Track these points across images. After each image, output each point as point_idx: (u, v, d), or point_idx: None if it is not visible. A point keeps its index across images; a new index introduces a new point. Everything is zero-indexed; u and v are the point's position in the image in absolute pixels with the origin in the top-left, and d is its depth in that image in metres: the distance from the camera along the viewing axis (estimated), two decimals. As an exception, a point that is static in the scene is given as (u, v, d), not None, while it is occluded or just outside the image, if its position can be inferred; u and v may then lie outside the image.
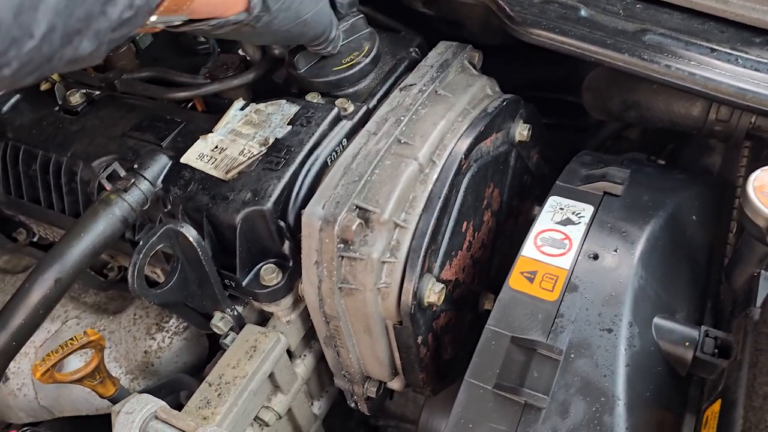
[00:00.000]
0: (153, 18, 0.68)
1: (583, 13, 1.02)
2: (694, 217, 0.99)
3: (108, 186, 0.91)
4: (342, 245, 0.86)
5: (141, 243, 0.86)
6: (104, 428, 0.89)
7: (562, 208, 0.93)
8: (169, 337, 1.12)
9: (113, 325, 1.17)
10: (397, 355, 0.98)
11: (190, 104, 1.16)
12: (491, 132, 1.00)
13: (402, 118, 0.96)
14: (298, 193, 0.94)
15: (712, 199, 1.05)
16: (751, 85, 0.90)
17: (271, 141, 0.97)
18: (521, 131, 1.07)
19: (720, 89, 0.92)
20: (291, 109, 1.01)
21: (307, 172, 0.95)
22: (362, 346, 0.98)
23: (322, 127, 0.98)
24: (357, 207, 0.87)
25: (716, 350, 0.80)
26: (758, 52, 0.94)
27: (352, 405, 1.14)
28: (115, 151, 1.03)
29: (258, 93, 1.11)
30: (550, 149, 1.25)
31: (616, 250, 0.87)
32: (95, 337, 0.87)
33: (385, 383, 1.08)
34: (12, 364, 0.88)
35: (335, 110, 1.00)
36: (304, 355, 1.09)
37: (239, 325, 1.01)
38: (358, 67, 1.06)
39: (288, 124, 0.99)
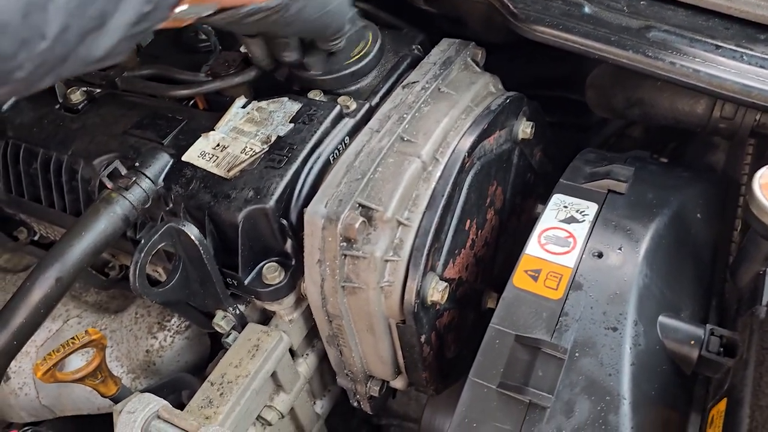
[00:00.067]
0: (181, 8, 0.66)
1: (586, 9, 1.01)
2: (698, 215, 0.98)
3: (109, 184, 0.91)
4: (345, 244, 0.86)
5: (142, 241, 0.86)
6: (106, 428, 0.88)
7: (566, 206, 0.93)
8: (170, 336, 1.12)
9: (115, 324, 1.16)
10: (400, 353, 0.97)
11: (191, 102, 1.15)
12: (494, 130, 0.99)
13: (405, 115, 0.95)
14: (300, 191, 0.93)
15: (716, 197, 1.05)
16: (756, 82, 0.90)
17: (273, 139, 0.96)
18: (524, 129, 1.06)
19: (725, 86, 0.91)
20: (293, 106, 1.00)
21: (310, 170, 0.94)
22: (365, 345, 0.97)
23: (324, 124, 0.97)
24: (360, 205, 0.86)
25: (722, 349, 0.80)
26: (763, 49, 0.93)
27: (355, 404, 1.14)
28: (116, 149, 1.02)
29: (260, 91, 1.10)
30: (553, 147, 1.25)
31: (620, 249, 0.87)
32: (97, 336, 0.86)
33: (388, 382, 1.08)
34: (13, 363, 0.88)
35: (337, 108, 0.99)
36: (307, 354, 1.09)
37: (241, 324, 1.00)
38: (370, 56, 1.05)
39: (290, 121, 0.98)
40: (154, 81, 1.14)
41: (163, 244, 0.88)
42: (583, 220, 0.91)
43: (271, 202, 0.89)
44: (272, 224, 0.91)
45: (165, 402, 0.84)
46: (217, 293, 0.94)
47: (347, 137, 0.99)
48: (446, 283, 0.90)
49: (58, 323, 1.19)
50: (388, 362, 0.99)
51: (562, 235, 0.89)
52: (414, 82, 1.01)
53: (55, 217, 1.09)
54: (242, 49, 1.13)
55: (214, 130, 0.99)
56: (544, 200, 0.96)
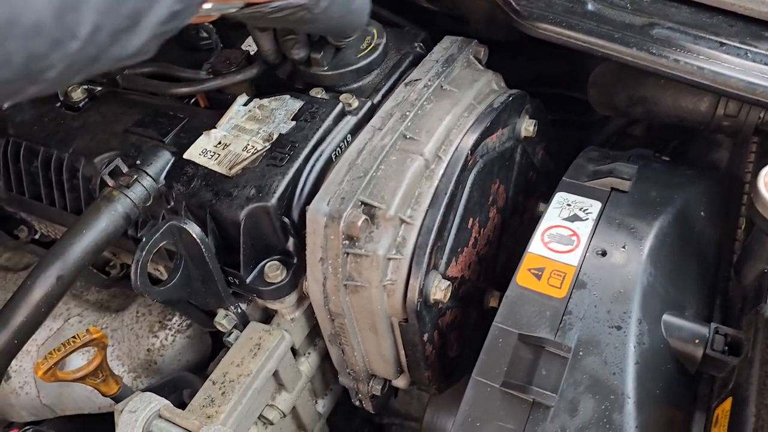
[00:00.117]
0: (208, 5, 0.66)
1: (590, 7, 1.01)
2: (702, 213, 0.98)
3: (110, 182, 0.91)
4: (347, 242, 0.85)
5: (144, 240, 0.86)
6: (107, 427, 0.88)
7: (569, 204, 0.92)
8: (172, 335, 1.11)
9: (116, 323, 1.16)
10: (402, 352, 0.97)
11: (192, 100, 1.15)
12: (497, 127, 0.99)
13: (407, 113, 0.95)
14: (302, 189, 0.93)
15: (720, 195, 1.04)
16: (760, 80, 0.89)
17: (275, 137, 0.96)
18: (527, 127, 1.06)
19: (729, 84, 0.91)
20: (295, 104, 1.00)
21: (312, 167, 0.94)
22: (367, 343, 0.97)
23: (326, 122, 0.97)
24: (362, 203, 0.86)
25: (726, 347, 0.80)
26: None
27: (357, 403, 1.14)
28: (117, 147, 1.02)
29: (261, 88, 1.10)
30: (555, 145, 1.24)
31: (624, 247, 0.86)
32: (98, 335, 0.86)
33: (390, 381, 1.07)
34: (14, 362, 0.87)
35: (340, 105, 0.99)
36: (309, 353, 1.09)
37: (243, 322, 1.00)
38: (376, 53, 1.05)
39: (292, 119, 0.98)
40: (156, 79, 1.14)
41: (164, 242, 0.88)
42: (587, 219, 0.90)
43: (273, 200, 0.89)
44: (274, 222, 0.91)
45: (166, 401, 0.83)
46: (219, 292, 0.94)
47: (349, 135, 0.98)
48: (449, 282, 0.89)
49: (59, 322, 1.19)
50: (391, 361, 0.99)
51: (566, 234, 0.89)
52: (416, 80, 1.01)
53: (55, 215, 1.08)
54: (244, 47, 1.12)
55: (215, 128, 0.99)
56: (546, 199, 0.95)
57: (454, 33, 1.11)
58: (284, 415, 1.02)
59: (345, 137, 0.98)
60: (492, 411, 0.75)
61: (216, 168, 0.94)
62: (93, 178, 1.02)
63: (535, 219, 0.92)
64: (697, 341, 0.81)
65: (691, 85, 0.94)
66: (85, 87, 1.13)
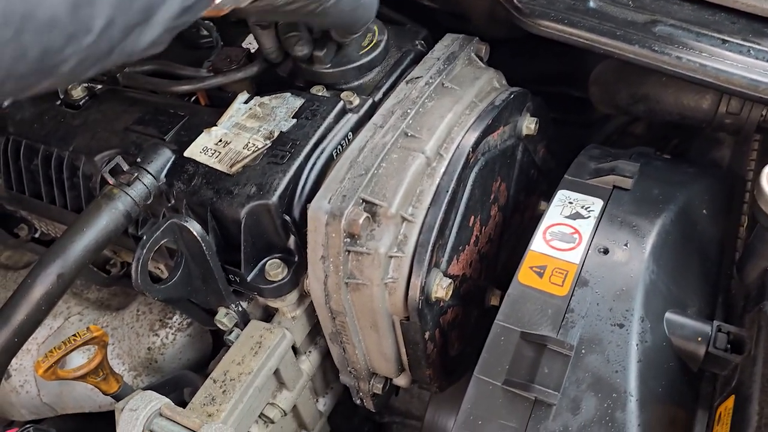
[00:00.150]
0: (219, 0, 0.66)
1: (591, 4, 1.00)
2: (704, 210, 0.97)
3: (111, 180, 0.90)
4: (348, 240, 0.85)
5: (144, 238, 0.85)
6: (107, 426, 0.88)
7: (571, 202, 0.92)
8: (172, 334, 1.11)
9: (116, 321, 1.16)
10: (403, 351, 0.97)
11: (193, 98, 1.15)
12: (498, 125, 0.99)
13: (409, 111, 0.95)
14: (303, 186, 0.92)
15: (722, 193, 1.04)
16: (763, 77, 0.89)
17: (275, 134, 0.95)
18: (528, 125, 1.06)
19: (732, 81, 0.90)
20: (296, 102, 1.00)
21: (313, 165, 0.94)
22: (368, 342, 0.97)
23: (327, 120, 0.96)
24: (364, 201, 0.86)
25: (729, 345, 0.79)
26: (770, 43, 0.92)
27: (358, 402, 1.13)
28: (118, 145, 1.02)
29: (262, 86, 1.10)
30: (556, 144, 1.24)
31: (626, 245, 0.86)
32: (98, 334, 0.85)
33: (391, 379, 1.07)
34: (14, 360, 0.87)
35: (341, 103, 0.99)
36: (310, 352, 1.08)
37: (244, 321, 0.99)
38: (378, 50, 1.05)
39: (293, 117, 0.98)
40: (156, 77, 1.14)
41: (165, 240, 0.87)
42: (589, 216, 0.90)
43: (274, 198, 0.89)
44: (275, 220, 0.90)
45: (167, 399, 0.83)
46: (220, 290, 0.94)
47: (350, 133, 0.98)
48: (450, 280, 0.89)
49: (60, 320, 1.18)
50: (392, 359, 0.98)
51: (568, 231, 0.88)
52: (418, 78, 1.01)
53: (56, 213, 1.08)
54: (244, 45, 1.12)
55: (216, 125, 0.98)
56: (547, 197, 0.95)
57: (456, 31, 1.11)
58: (285, 414, 1.02)
59: (346, 135, 0.98)
60: (494, 409, 0.75)
61: (217, 166, 0.94)
62: (93, 176, 1.02)
63: (536, 217, 0.92)
64: (699, 339, 0.81)
65: (693, 83, 0.94)
66: (85, 85, 1.12)
